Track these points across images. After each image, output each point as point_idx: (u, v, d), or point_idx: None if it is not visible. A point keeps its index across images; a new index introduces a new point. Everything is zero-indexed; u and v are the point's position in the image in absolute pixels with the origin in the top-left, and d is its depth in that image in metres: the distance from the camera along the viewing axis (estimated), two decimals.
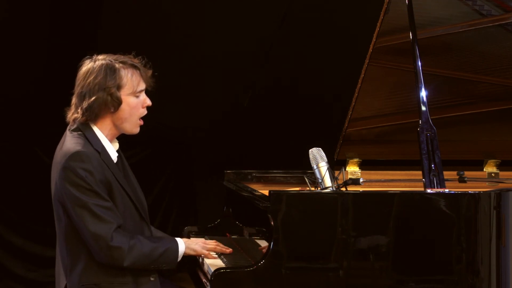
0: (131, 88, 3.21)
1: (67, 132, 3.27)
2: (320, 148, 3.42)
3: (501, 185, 4.01)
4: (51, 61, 5.79)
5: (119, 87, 3.19)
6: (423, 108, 3.42)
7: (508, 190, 3.20)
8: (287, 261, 3.06)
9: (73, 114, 3.25)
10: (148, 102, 3.27)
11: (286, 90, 6.15)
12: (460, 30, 3.88)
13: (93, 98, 3.16)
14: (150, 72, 3.29)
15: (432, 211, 3.14)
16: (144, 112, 3.27)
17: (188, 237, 3.96)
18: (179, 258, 3.23)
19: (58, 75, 5.80)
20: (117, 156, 3.30)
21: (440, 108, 3.96)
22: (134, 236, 3.15)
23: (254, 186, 3.95)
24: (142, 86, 3.25)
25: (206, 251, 3.35)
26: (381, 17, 3.66)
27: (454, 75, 3.96)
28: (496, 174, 4.18)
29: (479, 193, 3.16)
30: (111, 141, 3.27)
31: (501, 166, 4.20)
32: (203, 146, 6.30)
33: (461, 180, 3.48)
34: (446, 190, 3.22)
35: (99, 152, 3.17)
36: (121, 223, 3.13)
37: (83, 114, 3.19)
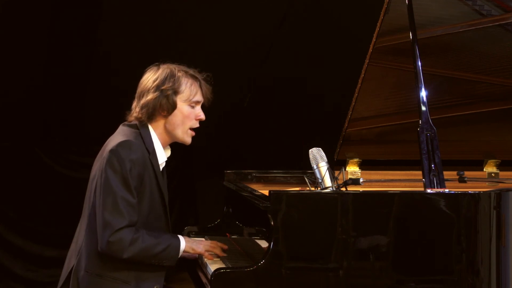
0: (187, 96, 3.34)
1: (121, 126, 3.37)
2: (320, 148, 3.42)
3: (501, 185, 4.01)
4: (51, 61, 5.79)
5: (176, 92, 3.31)
6: (423, 108, 3.42)
7: (508, 190, 3.20)
8: (287, 261, 3.06)
9: (133, 113, 3.35)
10: (202, 116, 3.39)
11: (286, 90, 6.15)
12: (460, 30, 3.88)
13: (149, 97, 3.29)
14: (210, 88, 3.43)
15: (432, 211, 3.14)
16: (196, 124, 3.39)
17: (188, 237, 3.97)
18: (180, 255, 3.29)
19: (58, 75, 5.81)
20: (166, 160, 3.39)
21: (440, 108, 3.96)
22: (139, 230, 3.20)
23: (254, 186, 3.95)
24: (199, 98, 3.38)
25: (205, 251, 3.38)
26: (381, 17, 3.66)
27: (454, 75, 3.96)
28: (496, 174, 4.18)
29: (479, 193, 3.16)
30: (163, 146, 3.37)
31: (501, 166, 4.20)
32: (203, 146, 6.30)
33: (461, 180, 3.48)
34: (446, 190, 3.22)
35: (149, 152, 3.28)
36: (134, 222, 3.18)
37: (139, 112, 3.30)
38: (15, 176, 5.87)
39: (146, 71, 3.38)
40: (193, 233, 4.00)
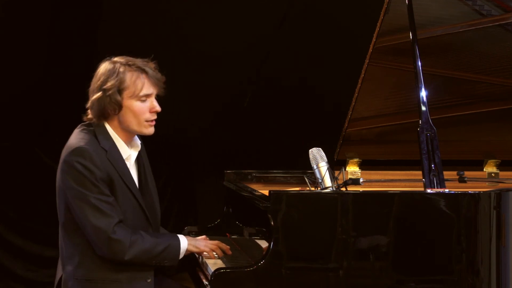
0: (133, 91, 3.19)
1: (76, 129, 3.29)
2: (320, 148, 3.42)
3: (501, 185, 4.01)
4: (51, 61, 5.79)
5: (120, 90, 3.18)
6: (423, 108, 3.42)
7: (508, 190, 3.20)
8: (287, 261, 3.06)
9: (87, 113, 3.29)
10: (157, 108, 3.25)
11: (286, 90, 6.15)
12: (460, 30, 3.88)
13: (94, 97, 3.20)
14: (161, 76, 3.25)
15: (432, 211, 3.14)
16: (152, 116, 3.25)
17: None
18: (181, 255, 3.25)
19: (58, 75, 5.81)
20: (136, 157, 3.32)
21: (440, 108, 3.96)
22: (137, 231, 3.16)
23: (254, 186, 3.95)
24: (148, 90, 3.22)
25: (208, 249, 3.35)
26: (381, 17, 3.66)
27: (454, 75, 3.96)
28: (496, 174, 4.18)
29: (479, 193, 3.16)
30: (126, 141, 3.27)
31: (501, 166, 4.20)
32: (203, 146, 6.30)
33: (461, 180, 3.48)
34: (446, 190, 3.22)
35: (106, 151, 3.18)
36: (122, 217, 3.14)
37: (89, 112, 3.23)
38: (15, 176, 5.86)
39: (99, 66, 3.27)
40: (193, 233, 4.00)
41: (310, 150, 3.42)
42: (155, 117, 3.26)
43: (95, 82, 3.22)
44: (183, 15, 5.83)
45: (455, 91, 4.01)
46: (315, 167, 3.37)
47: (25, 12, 5.56)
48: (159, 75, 3.25)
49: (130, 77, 3.19)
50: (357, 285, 3.09)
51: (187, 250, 3.27)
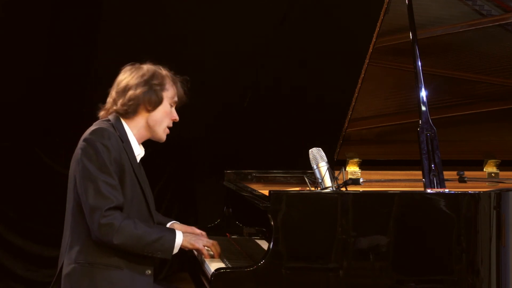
0: (171, 94, 3.38)
1: (94, 123, 3.36)
2: (320, 148, 3.42)
3: (501, 185, 4.01)
4: (51, 61, 5.79)
5: (162, 88, 3.35)
6: (423, 108, 3.42)
7: (508, 190, 3.20)
8: (287, 261, 3.06)
9: (109, 109, 3.35)
10: (176, 117, 3.42)
11: (286, 90, 6.15)
12: (460, 30, 3.88)
13: (138, 90, 3.30)
14: (185, 91, 3.44)
15: (432, 211, 3.14)
16: (171, 123, 3.41)
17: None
18: (176, 249, 3.25)
19: (58, 75, 5.81)
20: (141, 155, 3.38)
21: (440, 108, 3.96)
22: (131, 218, 3.19)
23: (254, 186, 3.95)
24: (176, 99, 3.41)
25: (203, 248, 3.34)
26: (381, 17, 3.67)
27: (454, 75, 3.96)
28: (496, 174, 4.18)
29: (479, 193, 3.16)
30: (138, 140, 3.37)
31: (501, 166, 4.20)
32: (203, 146, 6.30)
33: (461, 180, 3.48)
34: (446, 190, 3.22)
35: (122, 141, 3.27)
36: (121, 203, 3.18)
37: (123, 105, 3.31)
38: (15, 176, 5.87)
39: (123, 69, 3.39)
40: None
41: (310, 150, 3.42)
42: (172, 125, 3.41)
43: (137, 79, 3.31)
44: (183, 15, 5.83)
45: (455, 91, 4.01)
46: (315, 167, 3.37)
47: (25, 12, 5.56)
48: (184, 89, 3.45)
49: (169, 82, 3.38)
50: (357, 285, 3.09)
51: (182, 246, 3.27)
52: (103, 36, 5.75)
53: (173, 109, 3.40)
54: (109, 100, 3.37)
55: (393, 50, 3.83)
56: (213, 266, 3.27)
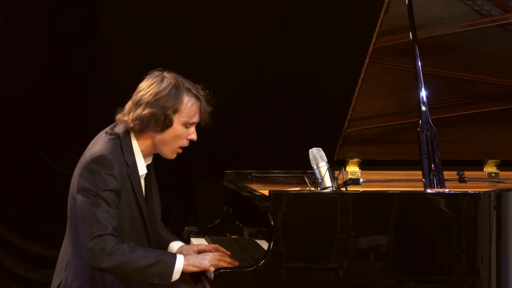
0: (186, 117, 3.21)
1: (103, 133, 3.25)
2: (320, 148, 3.42)
3: (501, 185, 4.01)
4: (51, 61, 5.79)
5: (175, 111, 3.17)
6: (423, 108, 3.42)
7: (508, 190, 3.20)
8: (287, 261, 3.06)
9: (124, 116, 3.21)
10: (194, 137, 3.26)
11: (286, 90, 6.15)
12: (460, 30, 3.88)
13: (147, 111, 3.14)
14: (210, 109, 3.28)
15: (432, 211, 3.14)
16: (186, 143, 3.26)
17: (188, 237, 3.97)
18: (176, 275, 3.09)
19: (58, 75, 5.81)
20: (146, 172, 3.29)
21: (440, 108, 3.96)
22: (125, 242, 3.08)
23: (254, 186, 3.95)
24: (196, 119, 3.25)
25: (210, 266, 3.16)
26: (381, 17, 3.66)
27: (454, 75, 3.96)
28: (496, 174, 4.18)
29: (479, 193, 3.16)
30: (145, 156, 3.26)
31: (501, 166, 4.20)
32: (203, 146, 6.29)
33: (461, 180, 3.48)
34: (446, 190, 3.22)
35: (128, 165, 3.17)
36: (113, 231, 3.06)
37: (132, 121, 3.17)
38: (15, 176, 5.87)
39: (148, 76, 3.23)
40: (193, 233, 4.00)
41: (310, 150, 3.42)
42: (187, 144, 3.27)
43: (151, 96, 3.15)
44: (183, 15, 5.83)
45: (455, 91, 4.01)
46: (315, 167, 3.37)
47: (25, 12, 5.56)
48: (208, 106, 3.28)
49: (187, 101, 3.20)
50: (357, 285, 3.09)
51: (184, 270, 3.11)
52: (103, 36, 5.75)
53: (192, 128, 3.24)
54: (127, 106, 3.23)
55: (393, 50, 3.83)
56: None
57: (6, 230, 5.84)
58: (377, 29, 3.69)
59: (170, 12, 5.82)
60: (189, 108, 3.21)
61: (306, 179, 3.51)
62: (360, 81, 3.82)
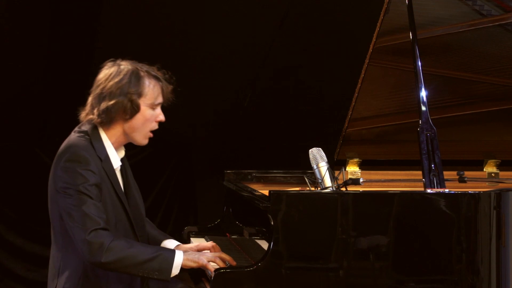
0: (151, 99, 3.20)
1: (72, 133, 3.24)
2: (320, 148, 3.42)
3: (501, 185, 4.01)
4: (51, 61, 5.79)
5: (140, 95, 3.17)
6: (423, 108, 3.42)
7: (508, 190, 3.20)
8: (287, 261, 3.06)
9: (88, 114, 3.21)
10: (162, 118, 3.25)
11: (286, 90, 6.15)
12: (460, 30, 3.88)
13: (113, 101, 3.14)
14: (170, 87, 3.26)
15: (432, 211, 3.14)
16: (155, 126, 3.25)
17: (188, 237, 3.97)
18: (175, 270, 3.09)
19: (58, 75, 5.81)
20: (121, 164, 3.27)
21: (440, 108, 3.96)
22: (125, 239, 3.08)
23: (254, 186, 3.95)
24: (160, 99, 3.23)
25: (208, 263, 3.17)
26: (381, 17, 3.67)
27: (454, 75, 3.96)
28: (496, 174, 4.18)
29: (479, 193, 3.16)
30: (117, 148, 3.25)
31: (501, 166, 4.20)
32: (203, 146, 6.30)
33: (461, 180, 3.48)
34: (446, 190, 3.22)
35: (101, 160, 3.16)
36: (105, 225, 3.05)
37: (98, 116, 3.16)
38: (15, 176, 5.87)
39: (103, 68, 3.21)
40: (193, 233, 4.00)
41: (310, 150, 3.42)
42: (157, 127, 3.26)
43: (113, 86, 3.15)
44: (182, 15, 5.83)
45: (455, 91, 4.01)
46: (315, 167, 3.37)
47: (25, 12, 5.56)
48: (169, 85, 3.26)
49: (149, 83, 3.20)
50: (357, 285, 3.09)
51: (184, 265, 3.10)
52: (102, 36, 5.75)
53: (158, 109, 3.23)
54: (88, 102, 3.22)
55: (393, 50, 3.83)
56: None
57: (6, 230, 5.84)
58: (377, 29, 3.69)
59: (170, 13, 5.83)
60: (152, 89, 3.19)
61: (306, 179, 3.51)
62: (360, 81, 3.82)
